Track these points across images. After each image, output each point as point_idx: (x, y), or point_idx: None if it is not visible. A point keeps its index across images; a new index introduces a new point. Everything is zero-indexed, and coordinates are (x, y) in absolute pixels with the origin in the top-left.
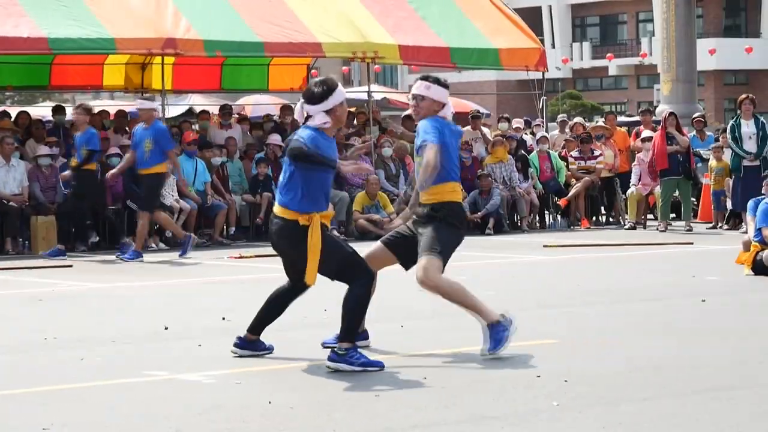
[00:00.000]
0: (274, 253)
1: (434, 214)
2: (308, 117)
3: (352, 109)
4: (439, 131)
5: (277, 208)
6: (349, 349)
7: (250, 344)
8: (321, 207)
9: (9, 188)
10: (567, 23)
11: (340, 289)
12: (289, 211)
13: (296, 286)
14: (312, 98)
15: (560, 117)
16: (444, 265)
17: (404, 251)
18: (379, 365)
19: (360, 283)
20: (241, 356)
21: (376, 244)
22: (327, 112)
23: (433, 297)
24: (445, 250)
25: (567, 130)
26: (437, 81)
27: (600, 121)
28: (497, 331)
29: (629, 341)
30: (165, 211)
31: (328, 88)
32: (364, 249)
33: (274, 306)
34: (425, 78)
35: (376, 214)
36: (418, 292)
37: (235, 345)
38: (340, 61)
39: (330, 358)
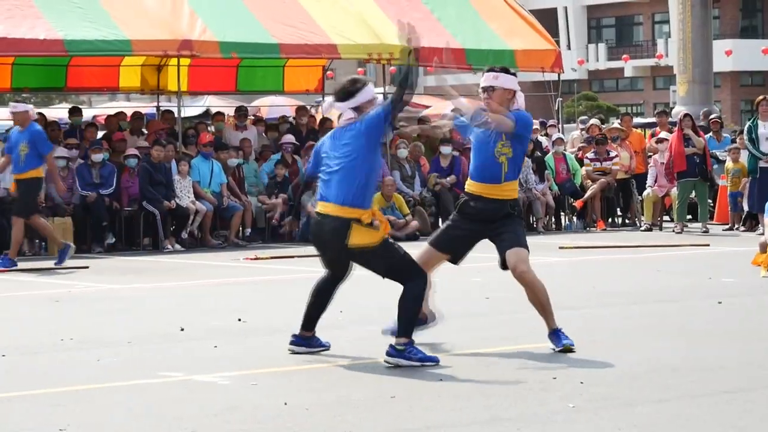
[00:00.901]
0: (290, 254)
1: (512, 211)
2: (340, 115)
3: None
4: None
5: (331, 207)
6: (407, 345)
7: (306, 341)
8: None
9: None
10: (582, 24)
11: (356, 291)
12: (349, 209)
13: (337, 278)
14: (342, 95)
15: (582, 119)
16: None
17: (453, 247)
18: (435, 360)
19: (416, 283)
20: (297, 353)
21: (424, 248)
22: (354, 109)
23: (446, 299)
24: (527, 244)
25: (584, 131)
26: (505, 70)
27: (616, 123)
28: (559, 337)
29: (645, 343)
30: (45, 217)
31: (358, 86)
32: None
33: (320, 299)
34: (492, 69)
35: (392, 216)
36: (432, 293)
37: (292, 343)
38: (356, 63)
39: (388, 353)
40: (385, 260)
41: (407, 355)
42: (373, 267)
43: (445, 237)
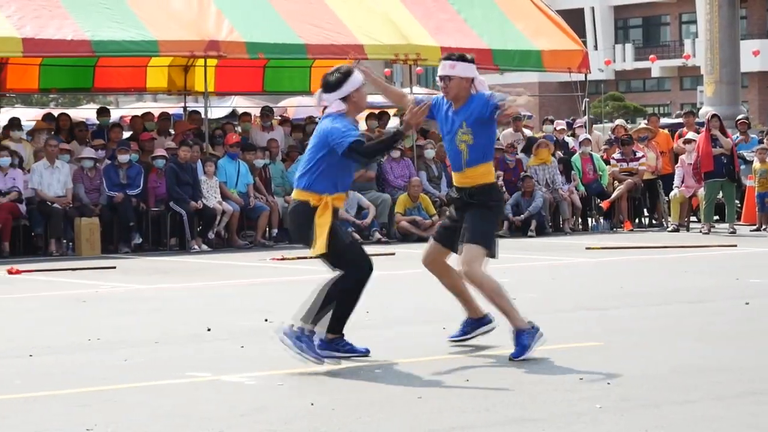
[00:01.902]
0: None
1: (469, 200)
2: (326, 107)
3: (392, 111)
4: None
5: (295, 192)
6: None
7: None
8: (335, 190)
9: (53, 190)
10: (609, 25)
11: (383, 292)
12: (305, 192)
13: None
14: (327, 86)
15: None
16: (489, 254)
17: (450, 239)
18: (362, 352)
19: (346, 277)
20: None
21: (429, 243)
22: (343, 99)
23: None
24: (487, 239)
25: (609, 132)
26: (461, 57)
27: (643, 123)
28: (524, 338)
29: (671, 344)
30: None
31: (343, 75)
32: (409, 250)
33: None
34: (448, 57)
35: (418, 216)
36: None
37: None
38: (382, 63)
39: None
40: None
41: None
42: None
43: (440, 230)
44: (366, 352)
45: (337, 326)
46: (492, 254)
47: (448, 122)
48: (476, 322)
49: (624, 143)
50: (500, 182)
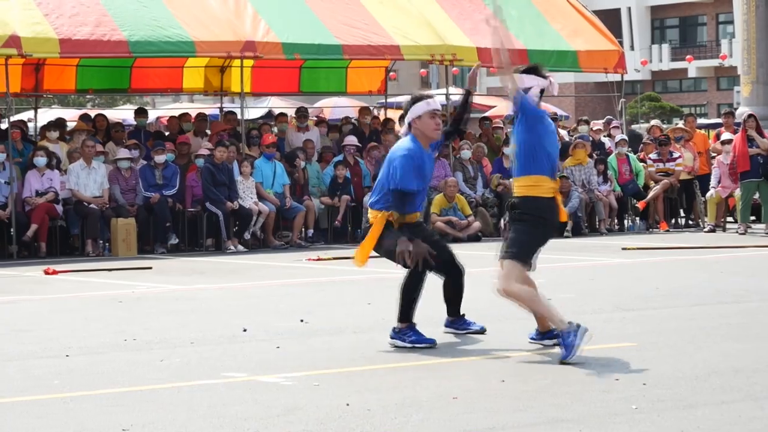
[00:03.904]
0: (352, 255)
1: (513, 212)
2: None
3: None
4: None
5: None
6: (403, 329)
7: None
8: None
9: (90, 191)
10: (646, 25)
11: (427, 292)
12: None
13: (450, 271)
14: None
15: (654, 122)
16: (525, 268)
17: None
18: (429, 342)
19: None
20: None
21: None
22: (408, 124)
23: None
24: (521, 251)
25: (645, 132)
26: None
27: (679, 123)
28: (568, 338)
29: (708, 344)
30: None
31: (411, 101)
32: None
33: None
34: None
35: (454, 217)
36: (492, 293)
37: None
38: (419, 64)
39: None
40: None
41: (402, 336)
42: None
43: None
44: (431, 343)
45: (402, 316)
46: (527, 266)
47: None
48: (541, 335)
49: (661, 143)
50: None
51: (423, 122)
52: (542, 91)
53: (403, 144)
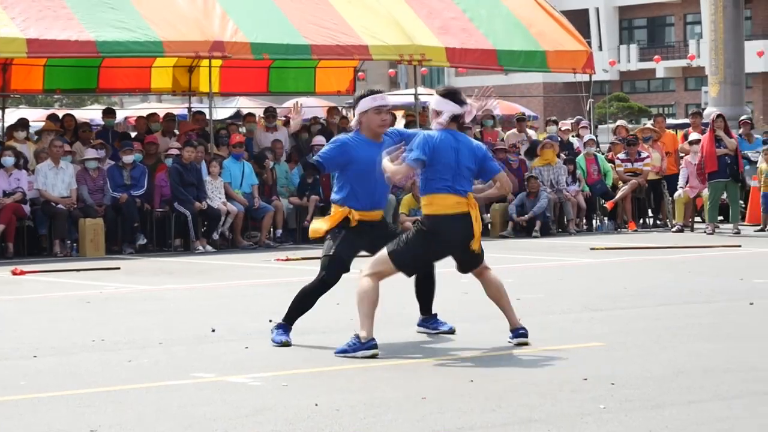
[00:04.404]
0: (321, 255)
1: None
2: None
3: (400, 113)
4: (429, 146)
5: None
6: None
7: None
8: (356, 205)
9: (57, 191)
10: (614, 25)
11: (386, 293)
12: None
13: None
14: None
15: (619, 122)
16: (395, 270)
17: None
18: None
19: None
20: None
21: None
22: (359, 116)
23: (480, 299)
24: (402, 256)
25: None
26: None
27: (648, 124)
28: (354, 343)
29: (676, 344)
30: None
31: (358, 96)
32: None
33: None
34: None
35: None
36: (463, 294)
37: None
38: (387, 64)
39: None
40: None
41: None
42: None
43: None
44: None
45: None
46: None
47: None
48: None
49: (629, 144)
50: None
51: (369, 117)
52: (456, 117)
53: (343, 135)
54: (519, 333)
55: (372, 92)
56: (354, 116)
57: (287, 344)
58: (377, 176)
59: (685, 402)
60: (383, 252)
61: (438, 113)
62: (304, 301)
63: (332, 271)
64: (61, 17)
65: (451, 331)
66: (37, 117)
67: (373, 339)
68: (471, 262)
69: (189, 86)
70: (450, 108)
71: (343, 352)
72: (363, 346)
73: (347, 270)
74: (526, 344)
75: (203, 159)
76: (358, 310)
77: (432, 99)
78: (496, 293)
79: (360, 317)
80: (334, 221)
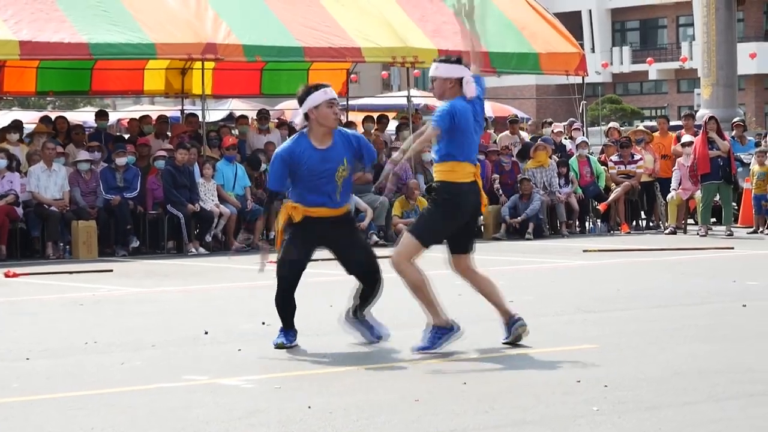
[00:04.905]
0: (313, 258)
1: (428, 195)
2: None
3: (392, 114)
4: (449, 114)
5: None
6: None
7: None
8: (305, 201)
9: (50, 193)
10: (607, 27)
11: (386, 295)
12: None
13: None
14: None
15: (611, 124)
16: (423, 248)
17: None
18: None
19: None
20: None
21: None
22: (305, 116)
23: (473, 301)
24: (425, 233)
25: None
26: (446, 60)
27: (640, 126)
28: (434, 335)
29: (669, 346)
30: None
31: (304, 91)
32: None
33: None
34: (435, 60)
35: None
36: (457, 296)
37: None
38: (380, 66)
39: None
40: None
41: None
42: None
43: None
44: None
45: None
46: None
47: None
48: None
49: (622, 146)
50: (496, 185)
51: (321, 112)
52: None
53: (285, 143)
54: (516, 321)
55: (320, 86)
56: (299, 115)
57: (282, 346)
58: (326, 175)
59: (680, 404)
60: (405, 234)
61: (456, 81)
62: (281, 306)
63: (283, 272)
64: (53, 19)
65: (380, 339)
66: (29, 119)
67: (450, 322)
68: (474, 235)
69: (182, 88)
70: (467, 73)
71: (424, 347)
72: (445, 337)
73: (301, 266)
74: (526, 332)
75: (196, 161)
76: (418, 303)
77: (443, 67)
78: (488, 286)
79: (423, 308)
80: (282, 220)
